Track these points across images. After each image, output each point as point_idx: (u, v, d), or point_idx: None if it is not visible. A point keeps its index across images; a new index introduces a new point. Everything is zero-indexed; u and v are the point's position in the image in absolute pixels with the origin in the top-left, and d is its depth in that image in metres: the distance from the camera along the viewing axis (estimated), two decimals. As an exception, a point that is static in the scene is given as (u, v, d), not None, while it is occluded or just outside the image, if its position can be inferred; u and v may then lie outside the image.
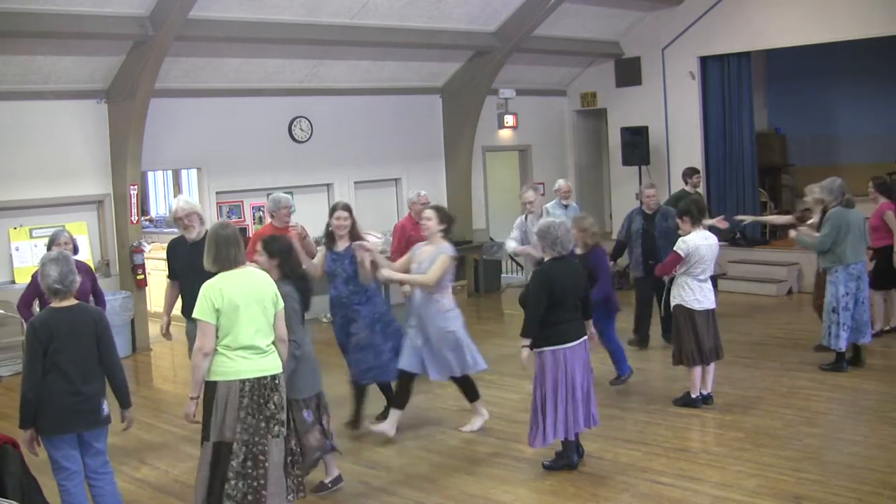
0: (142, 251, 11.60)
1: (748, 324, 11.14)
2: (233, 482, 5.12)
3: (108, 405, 5.32)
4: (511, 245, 9.45)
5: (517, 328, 6.57)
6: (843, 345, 8.54)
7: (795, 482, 6.00)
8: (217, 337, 5.14)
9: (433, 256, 7.11)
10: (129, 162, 11.01)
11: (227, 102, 12.14)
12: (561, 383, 6.24)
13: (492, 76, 14.22)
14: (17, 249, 10.47)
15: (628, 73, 15.53)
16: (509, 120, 15.20)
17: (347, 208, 7.33)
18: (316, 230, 8.98)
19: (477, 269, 14.53)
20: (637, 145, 14.76)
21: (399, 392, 7.33)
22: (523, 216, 9.43)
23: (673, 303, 7.79)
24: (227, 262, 5.23)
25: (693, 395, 7.76)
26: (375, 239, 13.48)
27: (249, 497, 5.14)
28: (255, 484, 5.15)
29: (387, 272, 7.16)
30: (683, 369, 7.85)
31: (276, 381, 5.25)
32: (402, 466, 6.75)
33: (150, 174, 16.20)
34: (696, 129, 14.81)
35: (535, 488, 6.21)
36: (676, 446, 6.88)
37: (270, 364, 5.24)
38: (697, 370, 7.72)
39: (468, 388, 7.45)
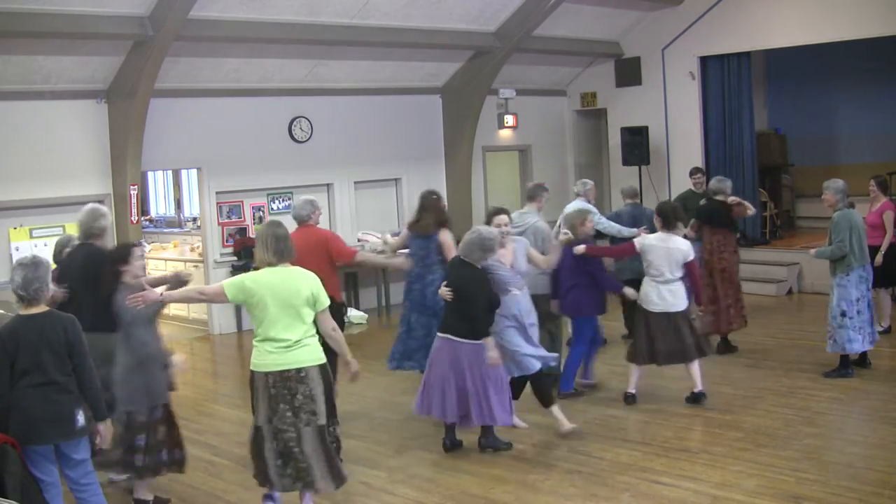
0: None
1: (748, 324, 11.10)
2: (279, 462, 5.51)
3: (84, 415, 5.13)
4: None
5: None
6: (857, 347, 8.39)
7: (795, 482, 6.00)
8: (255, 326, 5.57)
9: None
10: (129, 162, 11.00)
11: (227, 102, 12.14)
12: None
13: (492, 76, 14.21)
14: (17, 249, 10.45)
15: (628, 73, 15.52)
16: (509, 120, 15.19)
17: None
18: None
19: (477, 269, 14.51)
20: (637, 145, 14.75)
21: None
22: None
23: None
24: (288, 255, 5.58)
25: (628, 392, 7.91)
26: (375, 239, 13.53)
27: (301, 475, 5.51)
28: (301, 465, 5.49)
29: None
30: (683, 369, 7.87)
31: (303, 374, 5.47)
32: (402, 466, 6.76)
33: (150, 174, 16.18)
34: (696, 129, 14.80)
35: (535, 488, 6.21)
36: (676, 446, 6.89)
37: (297, 357, 5.47)
38: (636, 369, 7.88)
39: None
